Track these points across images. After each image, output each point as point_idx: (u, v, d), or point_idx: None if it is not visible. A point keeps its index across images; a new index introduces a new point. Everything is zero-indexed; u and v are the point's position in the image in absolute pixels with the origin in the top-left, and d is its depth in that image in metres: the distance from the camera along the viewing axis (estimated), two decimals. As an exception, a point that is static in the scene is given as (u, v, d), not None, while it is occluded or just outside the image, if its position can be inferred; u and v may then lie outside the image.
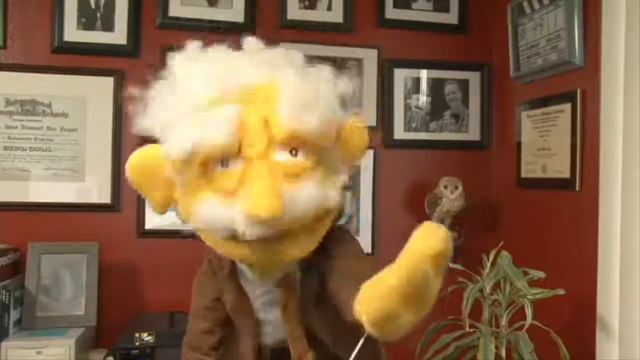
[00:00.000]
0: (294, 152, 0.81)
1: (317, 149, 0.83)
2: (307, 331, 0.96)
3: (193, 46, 0.87)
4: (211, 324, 1.00)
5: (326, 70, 0.89)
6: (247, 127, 0.80)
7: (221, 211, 0.78)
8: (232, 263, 0.95)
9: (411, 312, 0.65)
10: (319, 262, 0.91)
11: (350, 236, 0.98)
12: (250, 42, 0.92)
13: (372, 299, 0.64)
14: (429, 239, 0.69)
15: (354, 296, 0.68)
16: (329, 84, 0.87)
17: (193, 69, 0.84)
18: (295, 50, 0.92)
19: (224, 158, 0.80)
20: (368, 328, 0.65)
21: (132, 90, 0.84)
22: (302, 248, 0.85)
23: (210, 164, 0.80)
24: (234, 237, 0.80)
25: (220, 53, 0.88)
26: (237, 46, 0.91)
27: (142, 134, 0.84)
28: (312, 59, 0.92)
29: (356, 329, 0.75)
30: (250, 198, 0.75)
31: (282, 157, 0.81)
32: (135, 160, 0.89)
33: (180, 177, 0.84)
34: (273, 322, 0.98)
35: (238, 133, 0.79)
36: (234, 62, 0.85)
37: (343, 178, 0.89)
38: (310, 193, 0.80)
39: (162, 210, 0.90)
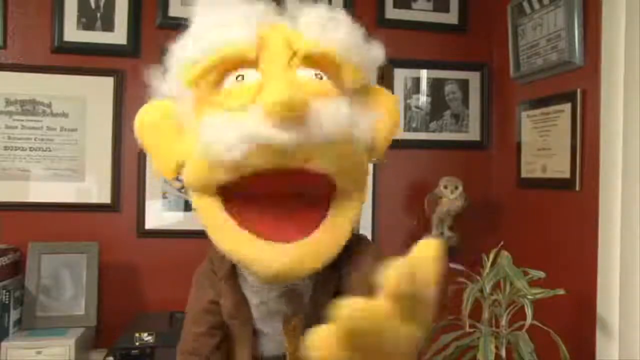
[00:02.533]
0: (318, 76, 0.73)
1: (341, 83, 0.74)
2: None
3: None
4: (208, 327, 0.90)
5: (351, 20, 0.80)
6: (268, 40, 0.72)
7: (233, 120, 0.66)
8: (233, 265, 0.87)
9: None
10: (333, 276, 0.82)
11: (368, 255, 0.85)
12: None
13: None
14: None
15: None
16: (361, 37, 0.80)
17: (214, 10, 0.76)
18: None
19: (240, 71, 0.71)
20: None
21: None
22: (324, 254, 0.72)
23: (223, 75, 0.72)
24: (241, 167, 0.67)
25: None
26: None
27: (161, 94, 0.78)
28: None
29: None
30: (269, 92, 0.64)
31: (306, 75, 0.72)
32: (145, 110, 0.83)
33: (189, 95, 0.75)
34: (272, 334, 0.89)
35: (258, 43, 0.71)
36: (259, 6, 0.78)
37: (370, 131, 0.76)
38: (339, 109, 0.69)
39: (168, 171, 0.79)
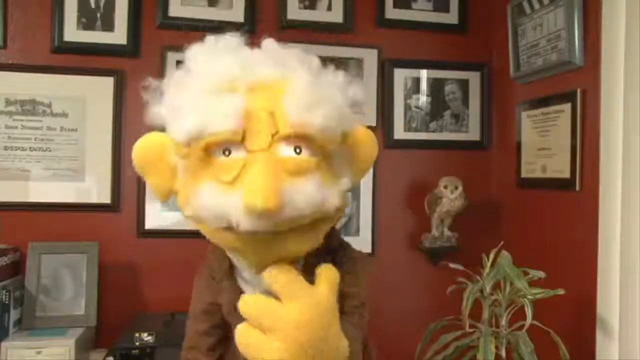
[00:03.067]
0: (298, 150, 0.80)
1: (321, 150, 0.82)
2: None
3: (210, 39, 0.87)
4: (209, 325, 1.00)
5: (340, 75, 0.89)
6: (253, 119, 0.79)
7: (219, 199, 0.77)
8: (231, 264, 0.95)
9: None
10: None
11: (352, 257, 0.97)
12: (268, 42, 0.92)
13: None
14: None
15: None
16: (341, 88, 0.87)
17: (209, 58, 0.84)
18: (312, 54, 0.91)
19: (227, 146, 0.79)
20: None
21: (147, 82, 0.85)
22: (297, 248, 0.84)
23: (213, 150, 0.79)
24: (229, 228, 0.79)
25: (237, 47, 0.88)
26: (252, 44, 0.91)
27: (154, 122, 0.84)
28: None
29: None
30: (249, 189, 0.73)
31: (286, 152, 0.79)
32: (142, 144, 0.89)
33: (182, 161, 0.84)
34: None
35: (243, 123, 0.78)
36: (249, 56, 0.86)
37: (346, 184, 0.87)
38: (310, 192, 0.79)
39: (163, 197, 0.89)
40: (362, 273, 0.96)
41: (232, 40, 0.88)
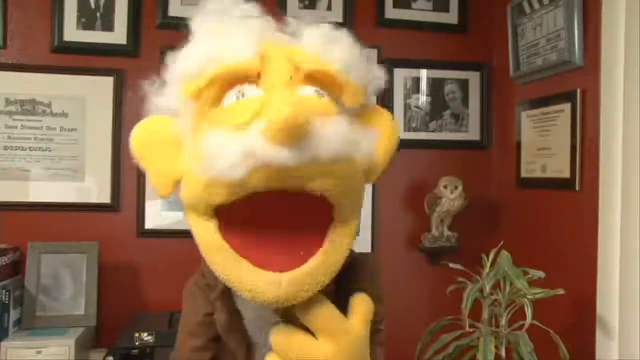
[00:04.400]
0: (320, 94, 0.71)
1: (342, 103, 0.73)
2: None
3: (213, 4, 0.76)
4: (205, 340, 0.89)
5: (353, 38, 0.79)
6: (270, 57, 0.71)
7: (234, 138, 0.63)
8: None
9: None
10: (329, 289, 0.78)
11: (373, 271, 0.87)
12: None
13: None
14: None
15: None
16: (362, 56, 0.78)
17: (215, 26, 0.74)
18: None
19: (240, 88, 0.69)
20: None
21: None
22: (318, 282, 0.70)
23: (225, 90, 0.70)
24: (243, 185, 0.64)
25: (246, 14, 0.78)
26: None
27: (159, 109, 0.76)
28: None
29: None
30: (273, 108, 0.61)
31: (308, 92, 0.70)
32: (141, 126, 0.79)
33: (188, 109, 0.72)
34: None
35: (260, 59, 0.69)
36: (260, 22, 0.77)
37: (370, 153, 0.75)
38: (340, 129, 0.66)
39: (166, 187, 0.76)
40: (381, 287, 0.86)
41: (238, 5, 0.77)
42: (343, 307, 0.75)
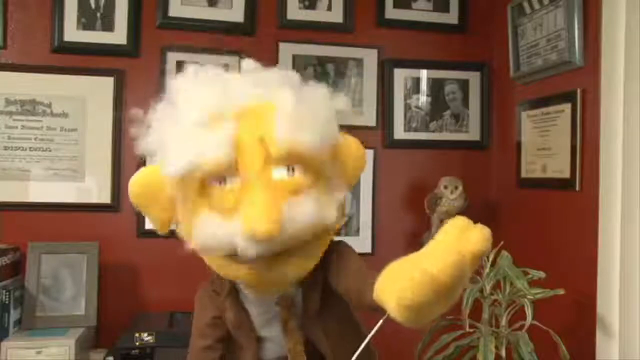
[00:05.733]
0: (291, 169, 0.83)
1: (313, 167, 0.84)
2: (308, 346, 0.98)
3: (192, 69, 0.89)
4: (212, 340, 1.01)
5: (322, 89, 0.90)
6: (244, 146, 0.81)
7: (219, 229, 0.80)
8: (233, 282, 0.97)
9: (443, 304, 0.67)
10: (319, 277, 0.93)
11: (347, 246, 0.99)
12: (248, 63, 0.94)
13: (405, 285, 0.63)
14: (477, 240, 0.68)
15: (370, 283, 0.70)
16: (325, 102, 0.89)
17: (192, 90, 0.86)
18: (292, 71, 0.94)
19: (222, 176, 0.81)
20: (395, 312, 0.65)
21: (133, 112, 0.88)
22: (300, 268, 0.86)
23: (208, 182, 0.82)
24: (232, 256, 0.82)
25: (218, 74, 0.90)
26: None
27: (144, 155, 0.88)
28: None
29: (356, 340, 0.79)
30: (248, 217, 0.76)
31: (279, 174, 0.82)
32: (137, 180, 0.91)
33: (179, 194, 0.86)
34: (273, 338, 0.99)
35: (235, 152, 0.80)
36: (232, 83, 0.87)
37: (341, 196, 0.90)
38: (308, 210, 0.81)
39: (163, 229, 0.92)
40: (351, 257, 0.96)
41: (212, 70, 0.90)
42: (333, 293, 0.90)
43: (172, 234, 2.07)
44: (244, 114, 0.83)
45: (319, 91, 0.90)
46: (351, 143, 0.96)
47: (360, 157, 0.97)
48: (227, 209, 0.80)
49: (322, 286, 0.95)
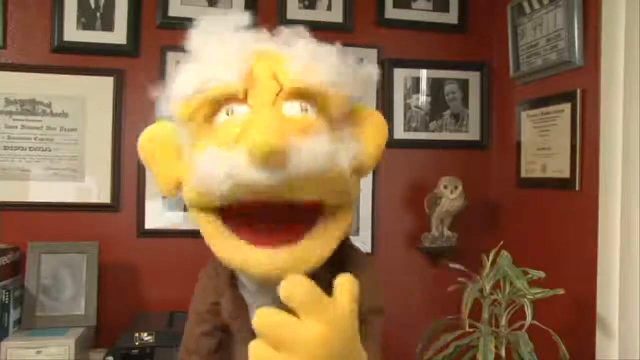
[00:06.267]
0: (304, 109, 0.77)
1: (328, 112, 0.79)
2: None
3: (208, 19, 0.86)
4: (211, 327, 0.97)
5: (339, 49, 0.84)
6: (257, 77, 0.77)
7: (221, 158, 0.71)
8: (233, 270, 0.92)
9: None
10: (325, 281, 0.82)
11: (368, 263, 0.92)
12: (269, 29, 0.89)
13: None
14: None
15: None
16: (344, 57, 0.84)
17: (209, 42, 0.82)
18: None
19: (230, 106, 0.77)
20: None
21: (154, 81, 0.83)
22: (311, 258, 0.77)
23: (215, 111, 0.77)
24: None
25: (235, 32, 0.84)
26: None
27: (165, 115, 0.82)
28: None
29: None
30: (254, 131, 0.68)
31: (292, 110, 0.76)
32: (148, 132, 0.88)
33: (186, 134, 0.81)
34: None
35: (247, 80, 0.76)
36: (249, 36, 0.83)
37: (358, 157, 0.82)
38: (320, 146, 0.72)
39: (169, 189, 0.85)
40: (377, 279, 0.90)
41: (229, 21, 0.85)
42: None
43: (172, 234, 2.05)
44: (259, 56, 0.80)
45: (342, 50, 0.84)
46: (375, 113, 0.91)
47: (383, 128, 0.89)
48: (232, 136, 0.72)
49: (326, 291, 0.91)
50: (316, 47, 0.81)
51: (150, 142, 0.87)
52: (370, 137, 0.87)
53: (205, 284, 1.00)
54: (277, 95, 0.76)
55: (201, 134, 0.78)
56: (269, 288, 0.84)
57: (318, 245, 0.79)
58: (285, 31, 0.84)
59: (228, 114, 0.77)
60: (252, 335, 0.94)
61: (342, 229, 0.82)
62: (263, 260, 0.76)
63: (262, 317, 0.68)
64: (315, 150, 0.72)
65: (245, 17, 0.85)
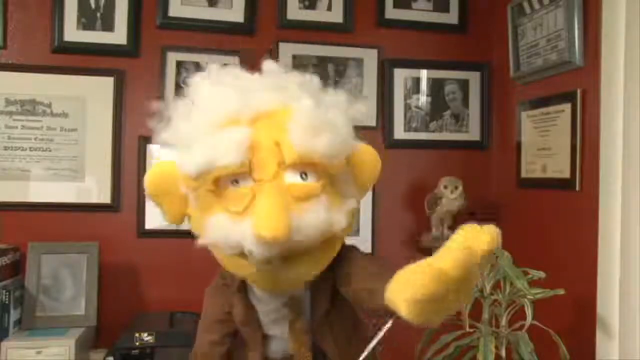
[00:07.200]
0: (304, 175, 0.83)
1: (327, 173, 0.85)
2: (314, 349, 0.98)
3: (213, 68, 0.91)
4: (221, 335, 1.02)
5: (342, 96, 0.91)
6: (259, 149, 0.82)
7: (230, 229, 0.81)
8: (243, 279, 0.98)
9: (453, 300, 0.66)
10: (329, 281, 0.94)
11: (358, 252, 0.99)
12: (269, 66, 0.94)
13: (416, 281, 0.65)
14: (486, 238, 0.71)
15: (381, 283, 0.70)
16: (343, 110, 0.89)
17: (211, 91, 0.87)
18: (313, 76, 0.95)
19: (235, 178, 0.82)
20: (406, 308, 0.65)
21: (156, 105, 0.88)
22: (309, 272, 0.88)
23: (221, 182, 0.83)
24: (242, 255, 0.82)
25: (238, 75, 0.90)
26: (254, 67, 0.93)
27: (162, 146, 0.88)
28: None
29: (362, 345, 0.80)
30: (258, 219, 0.77)
31: (292, 179, 0.83)
32: (154, 173, 0.92)
33: (193, 193, 0.88)
34: (280, 337, 1.00)
35: (249, 154, 0.81)
36: (251, 85, 0.88)
37: (353, 203, 0.90)
38: (318, 217, 0.81)
39: (176, 221, 0.95)
40: (360, 261, 0.95)
41: (233, 71, 0.90)
42: (342, 297, 0.91)
43: (172, 234, 2.05)
44: (262, 117, 0.84)
45: (338, 98, 0.91)
46: (366, 151, 0.96)
47: (375, 166, 0.97)
48: (238, 211, 0.81)
49: (330, 290, 0.96)
50: (318, 110, 0.85)
51: (157, 180, 0.92)
52: (364, 175, 0.95)
53: (214, 294, 1.05)
54: (279, 167, 0.82)
55: (207, 195, 0.85)
56: (276, 295, 0.95)
57: (317, 262, 0.88)
58: (284, 77, 0.91)
59: (232, 184, 0.83)
60: (262, 340, 1.01)
61: (336, 249, 0.91)
62: (262, 275, 0.86)
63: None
64: (313, 223, 0.81)
65: (247, 73, 0.91)
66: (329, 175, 0.86)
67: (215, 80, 0.89)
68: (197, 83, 0.89)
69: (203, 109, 0.85)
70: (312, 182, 0.84)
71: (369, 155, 0.97)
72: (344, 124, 0.88)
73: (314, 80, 0.94)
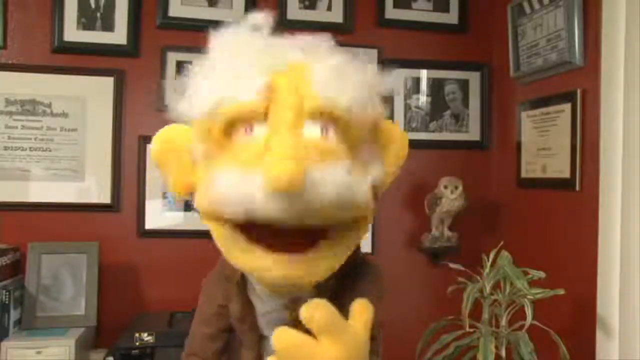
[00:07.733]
0: (324, 130, 0.75)
1: (349, 134, 0.77)
2: None
3: (233, 26, 0.81)
4: (216, 329, 0.97)
5: (370, 64, 0.83)
6: (278, 93, 0.73)
7: (239, 179, 0.70)
8: (242, 275, 0.91)
9: None
10: (335, 288, 0.87)
11: (376, 275, 0.93)
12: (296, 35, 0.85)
13: None
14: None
15: None
16: (370, 75, 0.81)
17: (232, 44, 0.79)
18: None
19: (249, 124, 0.74)
20: None
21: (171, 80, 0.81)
22: (328, 267, 0.77)
23: (234, 128, 0.74)
24: (244, 229, 0.73)
25: (261, 35, 0.81)
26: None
27: (180, 117, 0.79)
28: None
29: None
30: (270, 164, 0.66)
31: (312, 132, 0.74)
32: (160, 136, 0.84)
33: (201, 148, 0.78)
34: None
35: (267, 97, 0.73)
36: (274, 41, 0.80)
37: (377, 180, 0.81)
38: (336, 176, 0.70)
39: (182, 191, 0.83)
40: (382, 290, 0.91)
41: (258, 19, 0.81)
42: (343, 307, 0.78)
43: (172, 234, 2.06)
44: (283, 66, 0.76)
45: (367, 65, 0.82)
46: (395, 128, 0.89)
47: (403, 144, 0.90)
48: (250, 160, 0.70)
49: (331, 295, 0.86)
50: (343, 62, 0.78)
51: (164, 143, 0.83)
52: (390, 154, 0.87)
53: (211, 286, 0.99)
54: (298, 114, 0.72)
55: (218, 150, 0.76)
56: (278, 295, 0.87)
57: (330, 256, 0.77)
58: (311, 39, 0.81)
59: (246, 132, 0.74)
60: (257, 340, 0.94)
61: (355, 241, 0.81)
62: (277, 267, 0.73)
63: (281, 337, 0.68)
64: (332, 181, 0.69)
65: (270, 19, 0.82)
66: (351, 138, 0.77)
67: (236, 35, 0.80)
68: (218, 40, 0.80)
69: (221, 59, 0.77)
70: (332, 139, 0.75)
71: (398, 133, 0.89)
72: (372, 85, 0.80)
73: (342, 50, 0.83)
